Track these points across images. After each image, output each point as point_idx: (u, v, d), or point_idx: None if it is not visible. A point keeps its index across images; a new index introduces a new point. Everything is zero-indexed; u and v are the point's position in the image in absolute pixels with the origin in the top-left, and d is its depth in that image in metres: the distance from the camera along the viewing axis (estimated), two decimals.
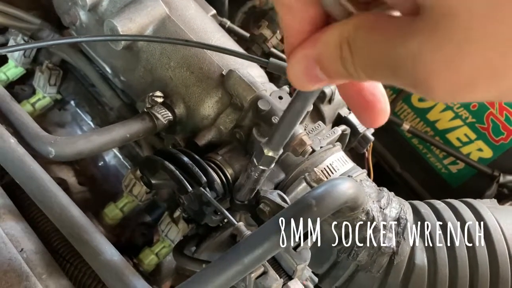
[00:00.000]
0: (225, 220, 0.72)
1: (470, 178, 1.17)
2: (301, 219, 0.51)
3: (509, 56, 0.21)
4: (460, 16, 0.21)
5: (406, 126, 1.13)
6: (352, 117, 0.83)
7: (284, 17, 0.29)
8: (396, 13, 0.26)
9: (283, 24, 0.30)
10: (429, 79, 0.23)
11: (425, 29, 0.22)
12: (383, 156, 1.29)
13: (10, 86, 1.04)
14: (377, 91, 0.32)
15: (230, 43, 0.82)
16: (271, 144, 0.53)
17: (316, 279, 0.77)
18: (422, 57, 0.22)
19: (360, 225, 0.63)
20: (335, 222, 0.64)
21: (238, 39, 1.00)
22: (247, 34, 1.01)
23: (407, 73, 0.24)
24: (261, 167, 0.57)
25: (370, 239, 0.63)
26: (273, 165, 0.57)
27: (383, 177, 1.10)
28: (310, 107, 0.45)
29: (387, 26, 0.24)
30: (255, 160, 0.57)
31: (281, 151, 0.55)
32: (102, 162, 1.05)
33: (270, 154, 0.54)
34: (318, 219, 0.51)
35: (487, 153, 1.12)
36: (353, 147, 0.88)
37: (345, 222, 0.63)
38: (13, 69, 1.01)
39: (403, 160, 1.27)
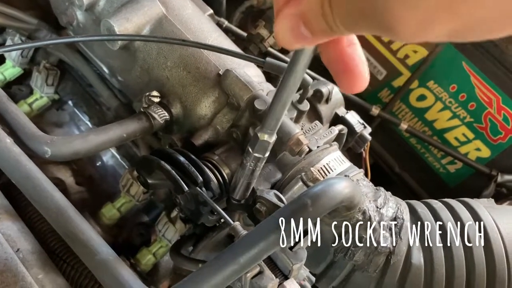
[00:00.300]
0: (222, 220, 0.72)
1: (468, 177, 1.16)
2: (297, 218, 0.51)
3: None
4: None
5: (404, 126, 1.13)
6: (349, 117, 0.83)
7: None
8: None
9: None
10: (395, 22, 0.26)
11: None
12: (381, 156, 1.29)
13: (8, 86, 1.04)
14: (356, 56, 0.35)
15: (227, 43, 0.82)
16: (265, 127, 0.53)
17: (313, 279, 0.77)
18: (392, 5, 0.26)
19: (356, 224, 0.63)
20: (331, 222, 0.64)
21: (236, 38, 1.00)
22: (245, 34, 1.01)
23: (379, 19, 0.27)
24: (256, 154, 0.56)
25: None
26: (267, 153, 0.57)
27: (381, 177, 1.10)
28: (296, 88, 0.45)
29: None
30: (250, 148, 0.56)
31: (275, 136, 0.54)
32: (100, 162, 1.05)
33: (265, 138, 0.54)
34: (314, 218, 0.51)
35: (485, 152, 1.12)
36: (350, 147, 0.88)
37: (341, 222, 0.63)
38: (10, 69, 1.01)
39: (401, 160, 1.27)
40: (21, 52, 0.99)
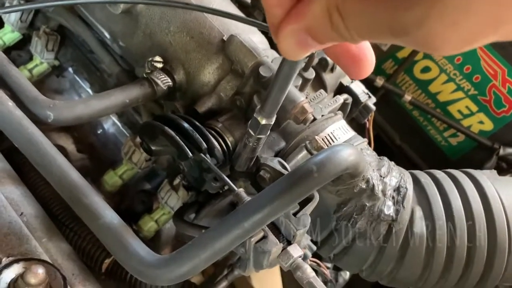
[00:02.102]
0: (225, 188, 0.72)
1: (470, 150, 1.16)
2: (302, 184, 0.51)
3: (510, 4, 0.22)
4: None
5: (407, 97, 1.12)
6: (354, 87, 0.82)
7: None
8: None
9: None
10: (436, 41, 0.25)
11: None
12: (383, 128, 1.29)
13: (7, 51, 1.03)
14: (363, 45, 0.34)
15: (231, 8, 0.80)
16: (264, 111, 0.53)
17: (314, 247, 0.78)
18: (428, 23, 0.24)
19: (359, 192, 0.63)
20: (335, 189, 0.64)
21: (239, 5, 0.98)
22: (248, 0, 0.99)
23: (411, 35, 0.25)
24: (256, 135, 0.57)
25: (370, 206, 0.63)
26: (268, 132, 0.57)
27: (382, 149, 1.09)
28: (298, 70, 0.46)
29: None
30: (250, 130, 0.57)
31: (274, 117, 0.54)
32: (101, 130, 1.05)
33: (264, 122, 0.54)
34: (319, 184, 0.51)
35: (488, 125, 1.11)
36: (354, 117, 0.87)
37: (345, 190, 0.63)
38: (9, 34, 0.99)
39: (403, 133, 1.26)
40: (20, 16, 0.97)
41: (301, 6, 0.30)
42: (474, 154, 1.15)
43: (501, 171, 1.14)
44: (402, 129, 1.27)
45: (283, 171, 0.61)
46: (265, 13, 0.32)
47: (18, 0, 0.95)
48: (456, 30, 0.24)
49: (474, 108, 1.12)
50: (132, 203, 0.94)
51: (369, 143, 0.87)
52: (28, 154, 0.60)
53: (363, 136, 0.81)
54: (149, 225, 0.87)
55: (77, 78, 1.05)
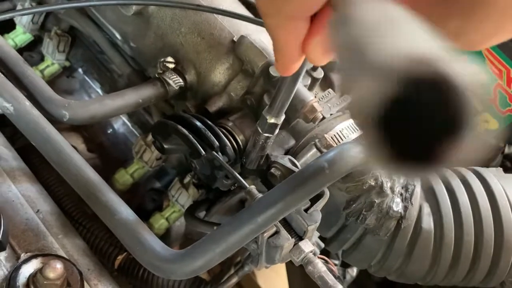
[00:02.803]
0: (235, 185, 0.73)
1: None
2: (314, 181, 0.52)
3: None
4: (497, 3, 0.28)
5: None
6: None
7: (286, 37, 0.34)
8: None
9: (283, 43, 0.35)
10: (471, 47, 0.30)
11: (463, 12, 0.29)
12: None
13: (19, 52, 1.04)
14: None
15: (241, 9, 0.81)
16: (273, 110, 0.54)
17: (322, 245, 0.79)
18: (465, 33, 0.29)
19: (369, 189, 0.65)
20: (344, 187, 0.65)
21: (248, 6, 0.99)
22: None
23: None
24: (265, 134, 0.58)
25: (378, 203, 0.65)
26: (277, 131, 0.59)
27: None
28: (305, 70, 0.48)
29: None
30: (259, 128, 0.58)
31: (283, 117, 0.56)
32: (111, 130, 1.06)
33: (272, 120, 0.56)
34: (330, 181, 0.53)
35: (493, 124, 1.12)
36: None
37: (354, 187, 0.64)
38: (21, 36, 1.01)
39: None
40: (31, 18, 0.99)
41: (319, 19, 0.33)
42: None
43: (506, 170, 1.14)
44: None
45: (293, 168, 0.63)
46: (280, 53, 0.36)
47: (29, 2, 0.97)
48: (491, 40, 0.30)
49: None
50: (142, 201, 0.95)
51: None
52: (45, 152, 0.62)
53: None
54: (159, 222, 0.88)
55: (87, 79, 1.07)
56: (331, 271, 0.92)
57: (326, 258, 0.88)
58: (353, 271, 1.03)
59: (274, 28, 0.33)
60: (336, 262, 0.97)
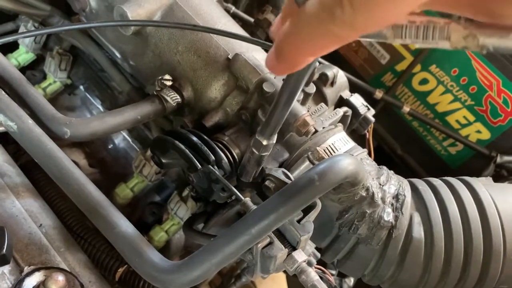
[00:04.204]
0: (233, 198, 0.75)
1: (468, 159, 1.20)
2: (305, 192, 0.54)
3: None
4: None
5: (406, 109, 1.16)
6: (354, 100, 0.86)
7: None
8: None
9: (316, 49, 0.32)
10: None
11: None
12: (384, 139, 1.32)
13: (21, 71, 1.07)
14: None
15: (236, 28, 0.84)
16: (266, 133, 0.57)
17: (319, 255, 0.81)
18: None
19: (360, 200, 0.67)
20: (337, 198, 0.67)
21: (243, 24, 1.03)
22: (251, 19, 1.04)
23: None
24: (260, 153, 0.61)
25: (370, 213, 0.67)
26: (270, 150, 0.61)
27: (384, 159, 1.13)
28: (298, 94, 0.50)
29: None
30: (253, 149, 0.61)
31: (275, 137, 0.59)
32: (112, 145, 1.09)
33: (265, 142, 0.58)
34: (321, 192, 0.55)
35: (485, 134, 1.14)
36: (355, 128, 0.91)
37: (346, 198, 0.67)
38: (24, 55, 1.04)
39: (404, 143, 1.30)
40: (34, 38, 1.02)
41: None
42: (473, 162, 1.18)
43: (501, 178, 1.17)
44: (403, 140, 1.30)
45: (287, 180, 0.65)
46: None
47: (32, 24, 1.01)
48: None
49: (471, 118, 1.15)
50: (143, 215, 0.97)
51: (369, 153, 0.91)
52: (48, 168, 0.64)
53: (364, 146, 0.85)
54: (159, 235, 0.90)
55: (89, 96, 1.10)
56: (327, 281, 0.94)
57: (323, 268, 0.90)
58: (350, 281, 1.05)
59: (325, 34, 0.30)
60: (333, 272, 0.99)
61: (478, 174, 1.13)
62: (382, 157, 1.31)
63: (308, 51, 0.33)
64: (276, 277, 1.43)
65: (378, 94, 1.16)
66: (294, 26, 0.32)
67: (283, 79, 0.74)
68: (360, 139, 0.93)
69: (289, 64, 0.35)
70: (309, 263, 0.88)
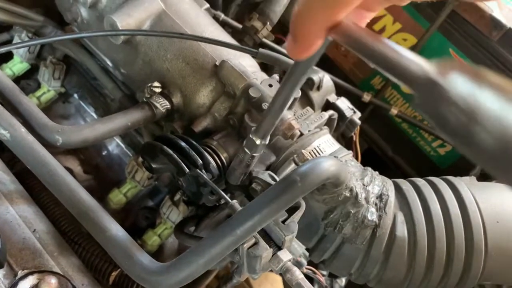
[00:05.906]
0: (222, 201, 0.77)
1: (457, 159, 1.22)
2: (288, 193, 0.56)
3: None
4: None
5: (394, 111, 1.18)
6: (340, 103, 0.88)
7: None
8: None
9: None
10: None
11: None
12: (375, 141, 1.34)
13: (16, 81, 1.10)
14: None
15: (223, 35, 0.87)
16: (259, 133, 0.59)
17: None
18: None
19: (344, 200, 0.69)
20: (321, 198, 0.69)
21: (232, 31, 1.05)
22: (241, 26, 1.06)
23: None
24: (252, 154, 0.63)
25: (354, 213, 0.69)
26: (262, 151, 0.63)
27: (376, 162, 1.15)
28: (292, 98, 0.52)
29: None
30: (246, 149, 0.63)
31: (268, 137, 0.61)
32: (105, 152, 1.11)
33: (258, 142, 0.60)
34: (303, 193, 0.57)
35: None
36: (342, 131, 0.93)
37: (330, 198, 0.69)
38: (18, 65, 1.06)
39: (394, 145, 1.32)
40: (28, 48, 1.05)
41: None
42: (462, 163, 1.20)
43: (488, 178, 1.18)
44: (393, 141, 1.32)
45: (272, 183, 0.67)
46: None
47: (26, 34, 1.03)
48: None
49: None
50: (136, 219, 0.99)
51: (356, 155, 0.93)
52: (40, 175, 0.66)
53: (350, 149, 0.87)
54: (152, 239, 0.92)
55: (82, 104, 1.12)
56: (318, 281, 0.96)
57: (314, 269, 0.92)
58: (341, 281, 1.06)
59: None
60: (324, 272, 1.00)
61: (466, 173, 1.15)
62: (373, 159, 1.33)
63: (320, 23, 0.35)
64: (273, 280, 1.44)
65: (366, 97, 1.19)
66: (303, 2, 0.35)
67: (269, 85, 0.77)
68: (350, 142, 0.95)
69: (305, 43, 0.37)
70: (300, 264, 0.90)
